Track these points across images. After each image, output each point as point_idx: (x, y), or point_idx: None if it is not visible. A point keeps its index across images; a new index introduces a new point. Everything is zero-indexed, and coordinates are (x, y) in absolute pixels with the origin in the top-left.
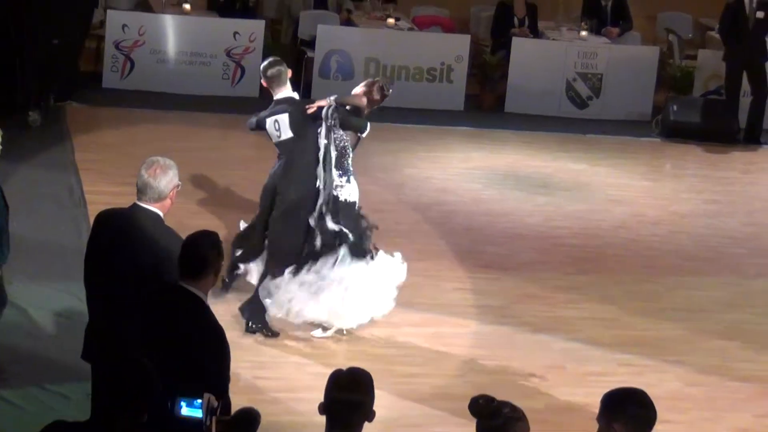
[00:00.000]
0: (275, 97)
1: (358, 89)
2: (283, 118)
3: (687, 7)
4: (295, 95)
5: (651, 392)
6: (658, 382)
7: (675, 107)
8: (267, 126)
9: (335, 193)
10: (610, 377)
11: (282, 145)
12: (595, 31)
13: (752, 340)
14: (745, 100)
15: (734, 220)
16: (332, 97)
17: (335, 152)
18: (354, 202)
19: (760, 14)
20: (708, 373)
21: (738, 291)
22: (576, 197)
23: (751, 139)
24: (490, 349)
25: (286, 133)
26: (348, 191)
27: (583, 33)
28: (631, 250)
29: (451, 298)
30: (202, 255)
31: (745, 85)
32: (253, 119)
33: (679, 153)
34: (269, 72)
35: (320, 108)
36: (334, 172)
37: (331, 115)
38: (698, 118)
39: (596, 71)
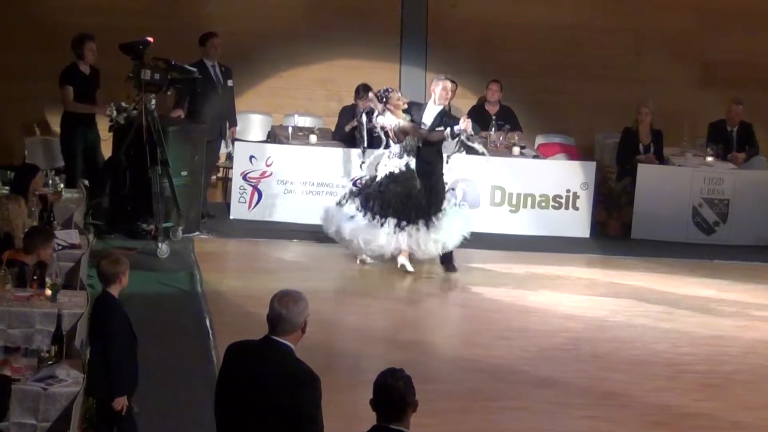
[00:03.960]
0: None
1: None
2: None
3: None
4: None
5: None
6: None
7: None
8: None
9: None
10: None
11: None
12: (721, 156)
13: None
14: None
15: None
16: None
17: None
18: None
19: None
20: None
21: None
22: (704, 323)
23: None
24: None
25: None
26: None
27: (709, 159)
28: (761, 375)
29: (580, 427)
30: (399, 396)
31: None
32: None
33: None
34: None
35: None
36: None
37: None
38: None
39: (723, 197)
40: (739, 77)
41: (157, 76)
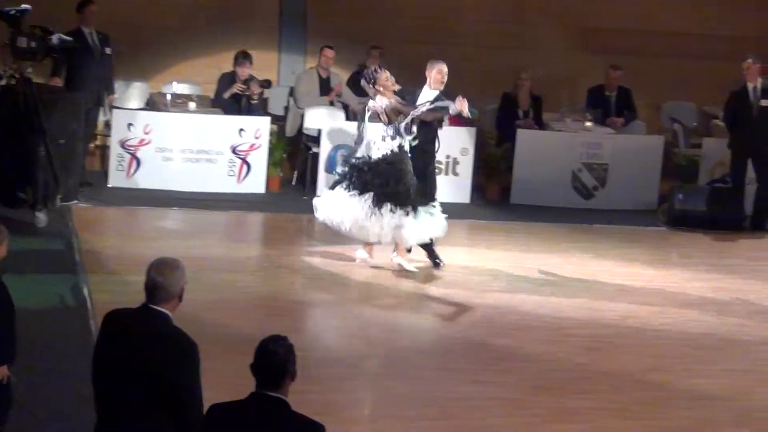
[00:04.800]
0: None
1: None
2: None
3: (691, 96)
4: None
5: None
6: None
7: (680, 196)
8: None
9: None
10: None
11: None
12: (600, 121)
13: (764, 428)
14: (751, 188)
15: (742, 308)
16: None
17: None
18: None
19: (764, 102)
20: None
21: (748, 379)
22: (583, 287)
23: (757, 226)
24: None
25: None
26: None
27: (588, 124)
28: (639, 340)
29: (468, 392)
30: (280, 363)
31: (751, 172)
32: None
33: (686, 241)
34: None
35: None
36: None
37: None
38: (704, 207)
39: (602, 161)
40: (619, 43)
41: (33, 44)
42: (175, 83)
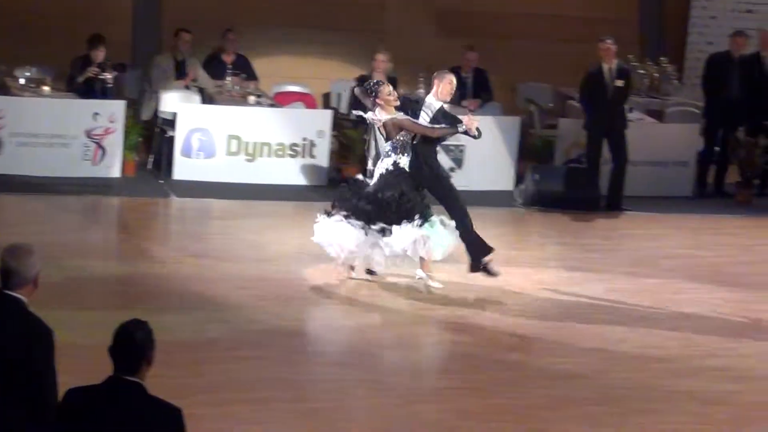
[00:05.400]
0: None
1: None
2: None
3: (546, 77)
4: None
5: None
6: None
7: (537, 176)
8: None
9: None
10: None
11: None
12: (456, 102)
13: (620, 406)
14: (606, 168)
15: (598, 287)
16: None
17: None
18: None
19: (618, 83)
20: None
21: (603, 357)
22: (443, 268)
23: (612, 206)
24: None
25: None
26: None
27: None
28: (499, 321)
29: (318, 374)
30: (138, 347)
31: (606, 152)
32: None
33: (542, 221)
34: None
35: None
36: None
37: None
38: (560, 187)
39: (458, 142)
40: (475, 26)
41: None
42: (29, 67)
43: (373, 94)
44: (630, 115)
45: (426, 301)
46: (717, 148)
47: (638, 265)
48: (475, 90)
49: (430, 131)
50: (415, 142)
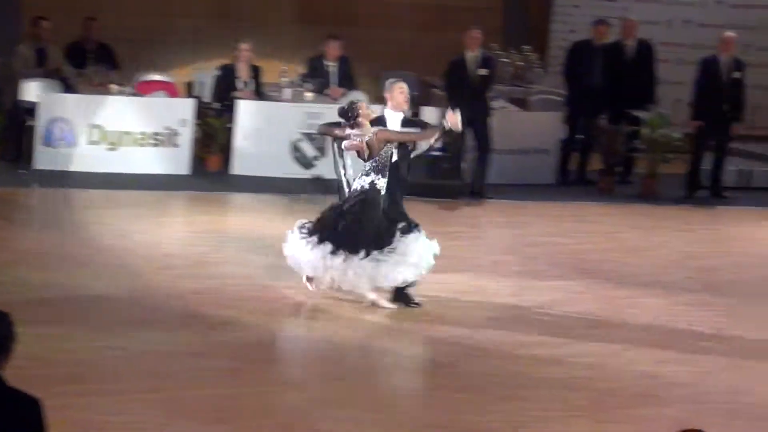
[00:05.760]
0: None
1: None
2: None
3: (411, 66)
4: None
5: None
6: None
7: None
8: None
9: None
10: None
11: None
12: (320, 91)
13: (484, 394)
14: (470, 156)
15: (462, 275)
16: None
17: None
18: None
19: (482, 71)
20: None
21: (465, 346)
22: None
23: (475, 194)
24: None
25: None
26: None
27: (308, 94)
28: (357, 308)
29: (181, 365)
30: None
31: (470, 141)
32: None
33: (407, 209)
34: None
35: None
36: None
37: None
38: (424, 175)
39: None
40: (338, 14)
41: None
42: None
43: (354, 114)
44: (493, 104)
45: (285, 288)
46: (579, 136)
47: (501, 253)
48: (339, 79)
49: (418, 136)
50: (394, 160)
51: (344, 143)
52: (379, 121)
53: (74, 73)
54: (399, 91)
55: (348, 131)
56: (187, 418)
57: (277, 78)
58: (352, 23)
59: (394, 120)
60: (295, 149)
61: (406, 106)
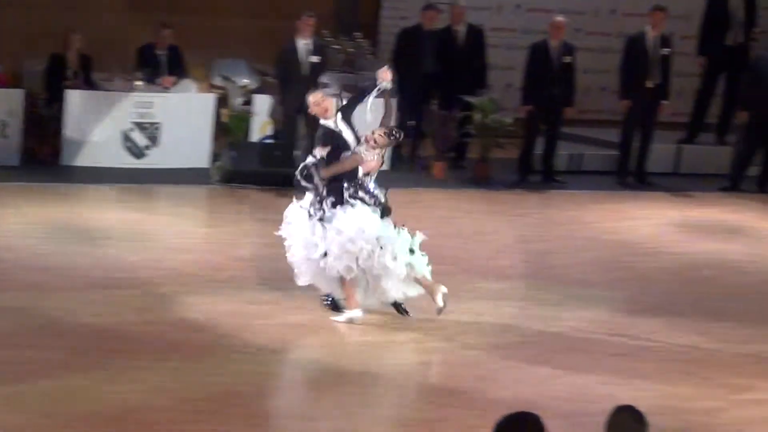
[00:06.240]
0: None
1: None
2: None
3: (242, 54)
4: None
5: None
6: None
7: (233, 153)
8: None
9: None
10: None
11: None
12: (151, 80)
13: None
14: (302, 144)
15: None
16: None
17: None
18: None
19: (314, 58)
20: None
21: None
22: (138, 247)
23: None
24: None
25: None
26: None
27: (138, 83)
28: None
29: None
30: None
31: (303, 128)
32: None
33: (238, 198)
34: None
35: None
36: None
37: None
38: (256, 164)
39: (153, 120)
40: (168, 1)
41: None
42: None
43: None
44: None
45: (118, 279)
46: (411, 122)
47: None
48: (170, 67)
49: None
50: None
51: (362, 168)
52: (335, 134)
53: None
54: (314, 105)
55: (363, 155)
56: None
57: (108, 67)
58: (183, 11)
59: (338, 128)
60: (126, 139)
61: (329, 114)
